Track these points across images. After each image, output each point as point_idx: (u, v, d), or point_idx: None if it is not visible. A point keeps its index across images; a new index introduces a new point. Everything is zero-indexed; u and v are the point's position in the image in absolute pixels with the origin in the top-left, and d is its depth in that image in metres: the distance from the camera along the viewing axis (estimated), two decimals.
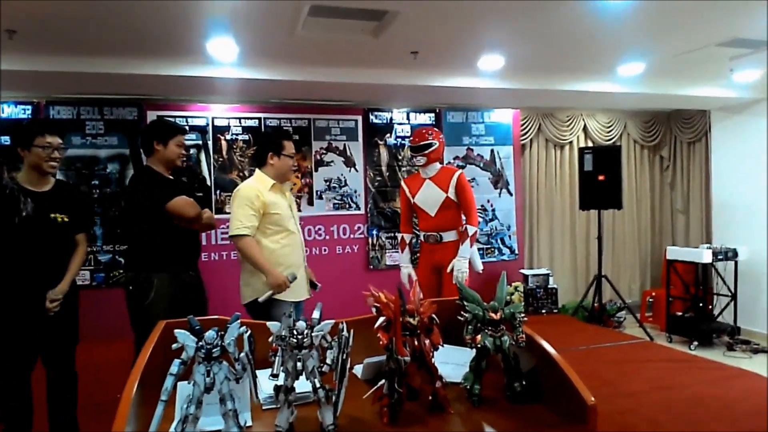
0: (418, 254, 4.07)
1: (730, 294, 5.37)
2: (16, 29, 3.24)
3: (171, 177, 2.96)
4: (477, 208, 3.97)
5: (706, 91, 5.31)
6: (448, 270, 3.60)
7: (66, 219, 2.59)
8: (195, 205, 2.84)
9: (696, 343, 5.14)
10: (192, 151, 4.86)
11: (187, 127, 3.17)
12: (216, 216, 3.22)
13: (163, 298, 2.71)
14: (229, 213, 3.05)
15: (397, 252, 5.52)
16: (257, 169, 3.05)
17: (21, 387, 2.49)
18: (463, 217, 3.72)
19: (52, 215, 2.54)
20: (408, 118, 5.56)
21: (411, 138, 3.79)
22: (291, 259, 2.96)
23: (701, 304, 5.44)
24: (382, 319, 1.34)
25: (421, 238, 3.86)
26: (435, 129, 3.90)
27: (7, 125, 4.34)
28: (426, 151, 3.68)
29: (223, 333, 1.23)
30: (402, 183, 3.98)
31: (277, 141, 3.03)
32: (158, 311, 2.61)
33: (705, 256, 5.24)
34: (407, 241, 3.91)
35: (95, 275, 4.67)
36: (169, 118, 3.15)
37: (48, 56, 3.72)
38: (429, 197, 3.72)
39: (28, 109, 4.54)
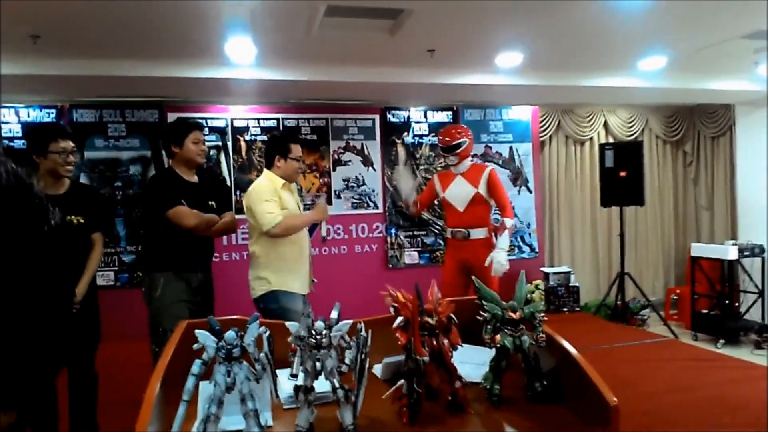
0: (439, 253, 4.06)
1: (757, 291, 5.25)
2: (39, 34, 3.31)
3: (194, 178, 2.93)
4: None
5: (730, 85, 5.20)
6: (486, 263, 3.51)
7: (81, 221, 2.63)
8: (195, 215, 2.77)
9: (722, 341, 5.04)
10: (212, 152, 4.92)
11: (202, 123, 3.07)
12: (237, 216, 3.19)
13: (167, 296, 2.73)
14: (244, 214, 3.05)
15: (416, 251, 5.53)
16: (265, 170, 3.09)
17: (47, 391, 2.53)
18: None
19: (68, 218, 2.59)
20: (425, 117, 5.55)
21: (440, 138, 3.74)
22: (297, 256, 3.03)
23: (727, 302, 5.32)
24: (400, 319, 1.34)
25: (448, 234, 3.80)
26: (463, 126, 3.88)
27: (30, 128, 4.44)
28: (457, 151, 3.67)
29: (242, 333, 1.24)
30: (435, 176, 3.96)
31: (284, 144, 3.05)
32: (162, 310, 2.71)
33: (731, 252, 5.12)
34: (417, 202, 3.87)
35: (119, 276, 4.75)
36: (183, 117, 3.08)
37: (71, 60, 3.80)
38: (459, 192, 3.70)
39: (52, 113, 4.64)
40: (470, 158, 3.81)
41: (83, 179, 4.65)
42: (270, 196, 2.90)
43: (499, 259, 3.47)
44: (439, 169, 5.55)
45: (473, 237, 3.65)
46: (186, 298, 2.77)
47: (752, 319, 5.28)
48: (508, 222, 3.58)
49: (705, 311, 5.40)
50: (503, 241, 3.54)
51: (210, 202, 2.92)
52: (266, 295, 2.93)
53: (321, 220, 3.08)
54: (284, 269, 2.96)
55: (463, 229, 3.67)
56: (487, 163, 4.23)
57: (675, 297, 6.00)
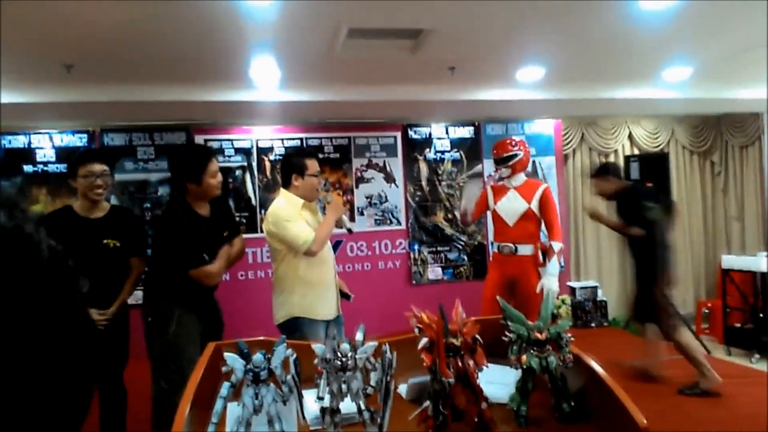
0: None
1: None
2: (73, 63, 3.44)
3: (207, 211, 2.74)
4: None
5: (758, 93, 5.11)
6: (537, 290, 3.43)
7: (118, 244, 2.67)
8: (218, 271, 2.67)
9: (757, 355, 4.89)
10: (237, 172, 5.01)
11: (212, 148, 2.90)
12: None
13: (182, 332, 2.61)
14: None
15: (440, 267, 5.52)
16: (282, 190, 2.97)
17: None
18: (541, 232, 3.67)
19: (105, 241, 2.63)
20: (447, 133, 5.57)
21: (493, 150, 3.71)
22: (322, 277, 2.93)
23: (761, 315, 5.17)
24: (425, 340, 1.34)
25: (494, 249, 3.73)
26: (520, 139, 3.78)
27: (64, 153, 4.58)
28: (510, 162, 3.60)
29: (269, 356, 1.26)
30: (488, 187, 3.85)
31: (300, 161, 2.93)
32: (177, 346, 2.55)
33: (763, 264, 4.99)
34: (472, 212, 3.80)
35: None
36: (191, 147, 2.76)
37: (102, 87, 3.94)
38: (510, 206, 3.62)
39: (83, 137, 4.78)
40: (524, 173, 3.73)
41: (113, 201, 4.78)
42: (294, 216, 2.80)
43: (550, 285, 3.40)
44: (462, 185, 5.56)
45: (520, 253, 3.56)
46: (199, 331, 2.66)
47: None
48: (556, 246, 3.47)
49: (738, 325, 5.25)
50: (553, 267, 3.46)
51: (224, 233, 2.79)
52: (288, 321, 2.84)
53: (340, 215, 2.97)
54: (309, 293, 2.86)
55: (510, 244, 3.59)
56: (542, 181, 4.13)
57: (706, 310, 5.85)
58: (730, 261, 5.38)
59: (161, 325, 2.60)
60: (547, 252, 3.49)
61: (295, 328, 2.79)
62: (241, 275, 4.91)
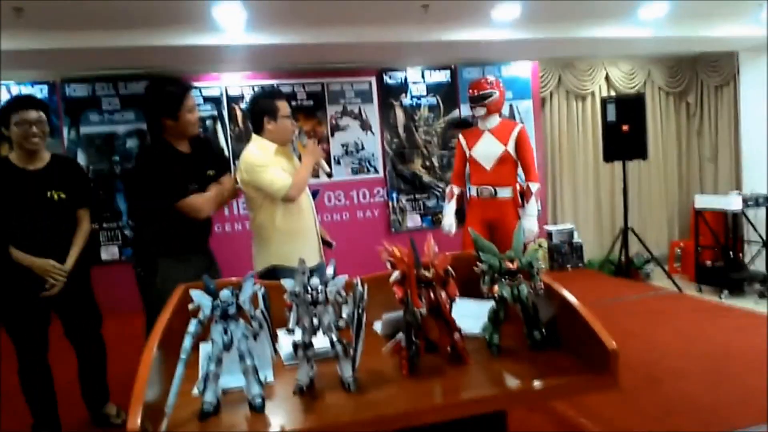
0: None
1: (761, 241, 5.24)
2: (22, 7, 3.24)
3: (187, 149, 2.62)
4: None
5: (734, 31, 5.06)
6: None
7: (63, 196, 2.50)
8: (208, 201, 2.54)
9: (726, 292, 5.05)
10: (207, 122, 4.87)
11: (190, 84, 2.63)
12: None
13: (168, 283, 2.40)
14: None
15: (418, 215, 5.52)
16: (254, 135, 2.80)
17: (41, 370, 2.52)
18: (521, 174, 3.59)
19: (49, 193, 2.46)
20: (423, 77, 5.46)
21: (469, 89, 3.57)
22: (301, 224, 2.84)
23: (731, 253, 5.31)
24: (396, 273, 1.33)
25: (473, 193, 3.63)
26: (495, 79, 3.65)
27: None
28: (485, 101, 3.48)
29: (237, 292, 1.23)
30: (459, 135, 3.72)
31: (270, 104, 2.75)
32: (164, 296, 2.47)
33: (734, 203, 5.09)
34: (455, 193, 3.71)
35: (123, 250, 4.77)
36: (166, 80, 2.60)
37: (57, 33, 3.73)
38: (486, 150, 3.53)
39: (44, 89, 4.58)
40: (499, 114, 3.62)
41: (80, 155, 4.63)
42: (267, 161, 2.67)
43: (530, 226, 3.40)
44: (439, 130, 5.50)
45: (500, 196, 3.51)
46: (190, 279, 2.57)
47: (756, 269, 5.28)
48: (534, 186, 3.45)
49: (709, 263, 5.40)
50: (531, 207, 3.46)
51: (209, 172, 2.63)
52: (268, 271, 2.76)
53: (317, 159, 2.82)
54: (288, 242, 2.77)
55: (489, 187, 3.51)
56: (517, 122, 4.02)
57: (679, 250, 6.00)
58: (703, 201, 5.47)
59: (149, 276, 2.51)
60: (524, 193, 3.47)
61: (273, 277, 2.64)
62: (218, 228, 4.85)
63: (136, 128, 4.77)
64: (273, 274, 2.75)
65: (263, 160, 2.67)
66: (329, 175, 3.09)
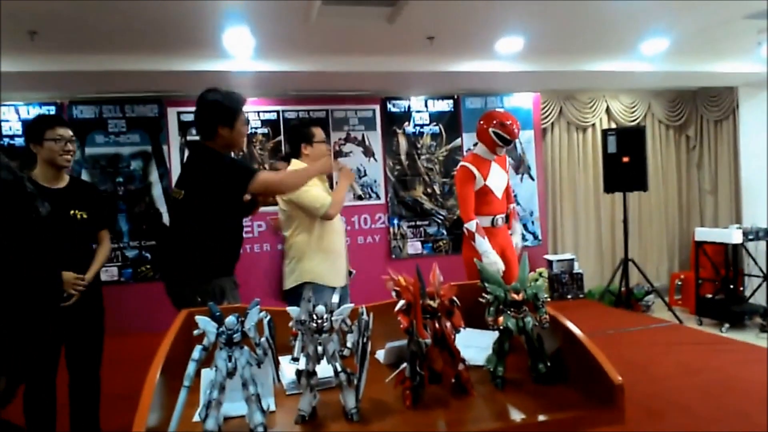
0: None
1: (762, 275, 5.23)
2: (37, 30, 3.30)
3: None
4: None
5: (734, 67, 5.16)
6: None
7: (85, 216, 2.55)
8: (282, 178, 2.59)
9: (727, 325, 5.03)
10: None
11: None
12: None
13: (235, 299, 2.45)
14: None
15: (419, 241, 5.52)
16: (293, 160, 3.01)
17: (46, 387, 2.46)
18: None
19: (72, 212, 2.51)
20: (426, 106, 5.53)
21: (512, 126, 3.36)
22: (334, 245, 3.02)
23: (732, 286, 5.31)
24: (402, 302, 1.32)
25: (486, 223, 3.48)
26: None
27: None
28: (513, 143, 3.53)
29: (243, 319, 1.23)
30: (469, 166, 3.45)
31: (306, 130, 3.06)
32: None
33: (735, 236, 5.10)
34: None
35: (123, 271, 4.76)
36: (227, 91, 2.46)
37: (69, 56, 3.79)
38: (498, 179, 3.54)
39: (51, 110, 4.63)
40: None
41: (84, 175, 4.66)
42: (311, 183, 2.81)
43: (517, 241, 3.62)
44: (441, 158, 5.54)
45: (504, 223, 3.59)
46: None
47: (757, 303, 5.27)
48: (517, 207, 3.63)
49: (709, 296, 5.38)
50: (518, 225, 3.71)
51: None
52: (298, 287, 2.86)
53: (351, 182, 3.08)
54: (321, 261, 2.93)
55: (502, 215, 3.56)
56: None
57: (679, 282, 5.98)
58: (704, 233, 5.48)
59: (191, 296, 2.29)
60: (510, 214, 3.63)
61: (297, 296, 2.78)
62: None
63: (141, 150, 4.81)
64: (303, 289, 2.78)
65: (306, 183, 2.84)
66: (360, 197, 3.23)
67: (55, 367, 2.50)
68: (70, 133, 2.52)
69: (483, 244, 3.37)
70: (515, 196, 5.72)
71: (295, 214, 2.90)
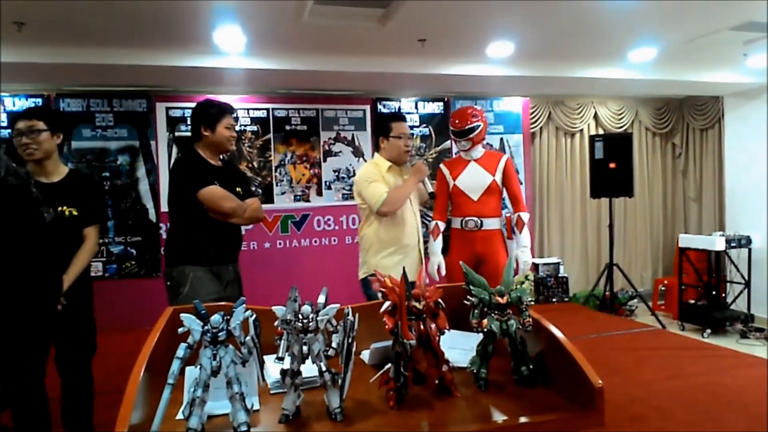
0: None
1: (743, 281, 5.32)
2: (24, 21, 3.26)
3: (218, 164, 2.76)
4: None
5: (720, 77, 5.23)
6: (513, 263, 3.29)
7: (75, 212, 2.44)
8: (231, 198, 2.61)
9: (709, 330, 5.10)
10: None
11: (235, 108, 2.82)
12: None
13: (197, 294, 2.45)
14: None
15: None
16: (375, 154, 3.20)
17: (36, 390, 2.31)
18: (507, 205, 3.52)
19: (60, 208, 2.40)
20: (416, 108, 5.54)
21: (452, 120, 3.38)
22: (402, 239, 3.07)
23: (714, 292, 5.38)
24: (387, 303, 1.34)
25: (456, 225, 3.39)
26: (477, 108, 3.53)
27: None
28: (471, 135, 3.30)
29: (228, 317, 1.23)
30: (441, 165, 3.48)
31: (386, 124, 3.13)
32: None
33: (718, 243, 5.18)
34: (441, 229, 3.42)
35: (107, 266, 4.72)
36: (216, 99, 2.81)
37: (56, 48, 3.75)
38: (473, 180, 3.34)
39: (38, 102, 4.57)
40: (483, 146, 3.47)
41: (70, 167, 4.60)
42: (374, 177, 2.99)
43: (525, 258, 3.33)
44: (430, 160, 5.55)
45: (485, 227, 3.32)
46: (216, 296, 2.55)
47: (738, 309, 5.35)
48: (525, 216, 3.37)
49: (692, 301, 5.46)
50: (525, 238, 3.37)
51: (237, 189, 2.73)
52: (366, 278, 3.02)
53: (422, 178, 3.08)
54: (390, 254, 3.02)
55: (475, 218, 3.31)
56: (502, 152, 3.87)
57: (663, 288, 6.06)
58: (687, 240, 5.56)
59: (177, 288, 2.55)
60: (516, 224, 3.39)
61: (370, 285, 2.87)
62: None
63: (129, 145, 4.77)
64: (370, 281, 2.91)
65: (371, 175, 3.01)
66: (432, 195, 3.23)
67: (43, 370, 2.34)
68: (25, 124, 2.37)
69: (432, 245, 3.39)
70: (503, 200, 5.78)
71: (366, 207, 3.02)
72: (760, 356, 3.95)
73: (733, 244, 5.23)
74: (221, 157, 2.81)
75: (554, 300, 5.66)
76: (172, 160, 4.74)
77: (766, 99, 5.55)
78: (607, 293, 5.43)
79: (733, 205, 6.01)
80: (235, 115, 2.80)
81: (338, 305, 1.31)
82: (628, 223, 6.47)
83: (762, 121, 5.61)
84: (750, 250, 5.32)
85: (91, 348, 2.58)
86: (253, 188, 4.22)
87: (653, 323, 5.16)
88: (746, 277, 5.29)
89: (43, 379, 2.38)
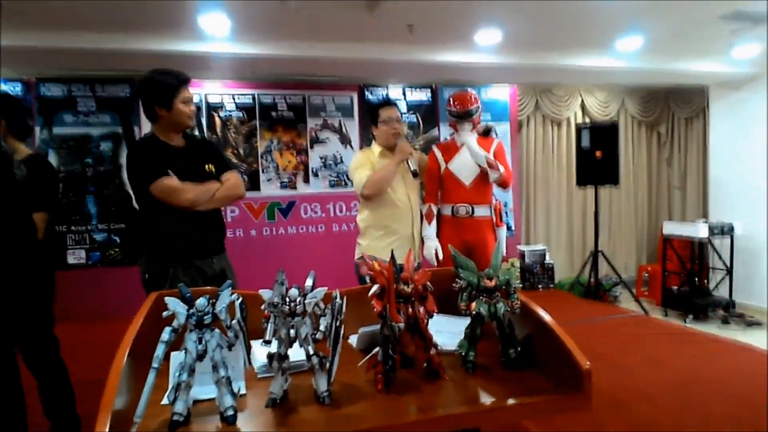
0: None
1: (725, 268, 5.39)
2: (1, 3, 3.17)
3: (180, 143, 2.45)
4: None
5: (705, 67, 5.27)
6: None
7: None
8: (186, 189, 2.30)
9: (691, 317, 5.18)
10: None
11: (188, 75, 2.44)
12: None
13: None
14: None
15: None
16: (373, 143, 3.22)
17: (10, 383, 2.30)
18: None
19: None
20: (404, 95, 5.51)
21: (454, 103, 3.28)
22: (393, 223, 3.08)
23: (696, 279, 5.46)
24: (376, 286, 1.33)
25: (447, 212, 3.32)
26: (474, 92, 3.43)
27: None
28: (472, 117, 3.25)
29: (214, 300, 1.21)
30: (434, 148, 3.40)
31: (374, 111, 3.17)
32: None
33: (701, 231, 5.24)
34: (434, 213, 3.31)
35: (91, 254, 4.66)
36: (164, 70, 2.37)
37: (37, 32, 3.66)
38: (466, 165, 3.26)
39: (17, 86, 4.48)
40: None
41: (52, 156, 4.53)
42: (361, 163, 3.04)
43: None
44: (417, 147, 5.54)
45: (477, 215, 3.27)
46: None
47: (720, 295, 5.43)
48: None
49: (675, 288, 5.53)
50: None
51: (207, 166, 2.44)
52: (358, 261, 3.04)
53: (404, 158, 3.03)
54: (381, 237, 3.05)
55: (467, 205, 3.26)
56: (493, 137, 3.56)
57: (646, 275, 6.13)
58: (671, 228, 5.62)
59: (156, 283, 2.26)
60: (500, 209, 3.36)
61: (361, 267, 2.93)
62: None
63: (112, 131, 4.70)
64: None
65: (358, 162, 3.06)
66: (414, 174, 3.13)
67: (15, 366, 2.31)
68: None
69: (426, 229, 3.27)
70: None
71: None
72: (740, 342, 4.04)
73: (716, 232, 5.30)
74: (187, 132, 2.50)
75: (540, 287, 5.71)
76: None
77: (750, 89, 5.60)
78: (591, 280, 5.48)
79: (716, 194, 6.08)
80: (192, 84, 2.46)
81: (326, 288, 1.29)
82: (613, 211, 6.53)
83: (746, 110, 5.67)
84: (732, 238, 5.40)
85: (52, 340, 2.42)
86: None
87: (637, 310, 5.23)
88: (728, 265, 5.37)
89: (18, 375, 2.32)
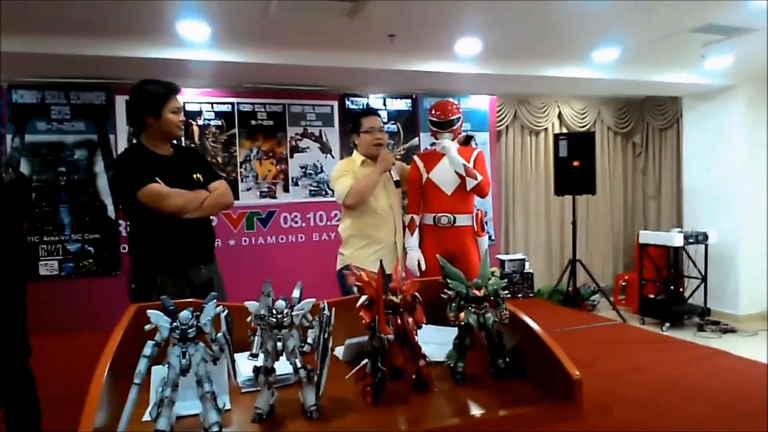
0: None
1: (700, 276, 5.49)
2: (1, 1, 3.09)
3: (168, 151, 2.46)
4: None
5: (679, 78, 5.38)
6: None
7: None
8: (175, 194, 2.30)
9: (668, 324, 5.26)
10: None
11: (178, 85, 2.47)
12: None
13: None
14: None
15: None
16: (354, 152, 3.20)
17: None
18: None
19: None
20: (384, 104, 5.51)
21: (434, 113, 3.26)
22: (375, 233, 3.06)
23: (672, 287, 5.55)
24: (364, 297, 1.31)
25: (428, 221, 3.28)
26: (456, 102, 3.44)
27: None
28: (454, 127, 3.22)
29: (198, 313, 1.18)
30: (415, 158, 3.37)
31: (356, 120, 3.16)
32: None
33: (676, 239, 5.34)
34: (417, 223, 3.28)
35: (63, 265, 4.53)
36: (154, 80, 2.40)
37: (8, 36, 3.55)
38: (447, 174, 3.22)
39: None
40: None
41: (24, 164, 4.40)
42: (342, 172, 3.02)
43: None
44: (398, 157, 5.54)
45: (458, 224, 3.23)
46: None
47: (695, 303, 5.53)
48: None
49: (652, 296, 5.61)
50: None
51: (195, 175, 2.43)
52: (340, 270, 3.05)
53: (387, 168, 3.03)
54: (363, 247, 3.03)
55: (449, 215, 3.22)
56: (474, 147, 3.57)
57: (623, 283, 6.22)
58: (647, 236, 5.72)
59: (143, 293, 2.25)
60: (481, 218, 3.34)
61: (343, 276, 2.85)
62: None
63: (86, 139, 4.59)
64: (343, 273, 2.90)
65: (339, 171, 3.06)
66: (397, 184, 3.16)
67: None
68: None
69: (408, 239, 3.25)
70: None
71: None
72: (716, 348, 4.10)
73: (690, 240, 5.41)
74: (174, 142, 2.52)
75: (520, 296, 5.74)
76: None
77: (722, 100, 5.74)
78: (570, 288, 5.53)
79: (690, 203, 6.20)
80: (180, 94, 2.50)
81: (313, 300, 1.27)
82: (590, 220, 6.62)
83: (718, 121, 5.81)
84: (707, 246, 5.51)
85: (24, 349, 2.35)
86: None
87: (614, 317, 5.29)
88: (703, 272, 5.47)
89: None
